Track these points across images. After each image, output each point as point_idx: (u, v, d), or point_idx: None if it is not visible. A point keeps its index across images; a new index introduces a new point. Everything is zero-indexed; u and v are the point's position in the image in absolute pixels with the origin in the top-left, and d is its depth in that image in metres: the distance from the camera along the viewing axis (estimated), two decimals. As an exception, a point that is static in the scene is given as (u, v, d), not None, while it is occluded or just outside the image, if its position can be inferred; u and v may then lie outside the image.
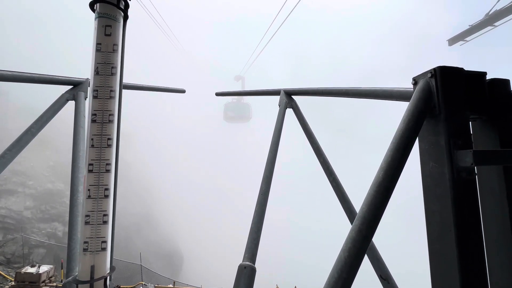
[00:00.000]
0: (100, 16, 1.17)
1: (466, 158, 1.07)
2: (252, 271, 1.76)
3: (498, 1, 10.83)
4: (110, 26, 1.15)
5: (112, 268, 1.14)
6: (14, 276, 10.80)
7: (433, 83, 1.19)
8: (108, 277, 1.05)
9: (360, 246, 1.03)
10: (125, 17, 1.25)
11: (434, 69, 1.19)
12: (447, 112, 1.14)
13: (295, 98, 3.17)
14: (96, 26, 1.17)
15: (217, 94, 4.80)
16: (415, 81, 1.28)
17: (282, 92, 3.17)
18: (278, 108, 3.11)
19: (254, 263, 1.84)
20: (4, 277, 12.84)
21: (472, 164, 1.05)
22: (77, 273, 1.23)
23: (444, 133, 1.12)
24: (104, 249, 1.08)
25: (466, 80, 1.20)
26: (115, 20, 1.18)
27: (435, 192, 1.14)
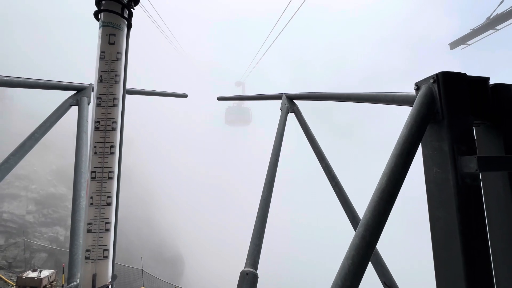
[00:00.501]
0: (104, 25, 1.19)
1: (470, 164, 1.06)
2: (254, 277, 1.74)
3: (499, 5, 10.86)
4: (114, 34, 1.17)
5: (113, 277, 1.14)
6: (15, 280, 10.78)
7: (436, 88, 1.18)
8: (110, 286, 1.05)
9: (364, 253, 1.02)
10: (129, 26, 1.27)
11: (437, 74, 1.19)
12: (450, 117, 1.13)
13: (297, 102, 3.17)
14: (100, 34, 1.19)
15: (219, 99, 4.82)
16: (418, 86, 1.28)
17: (283, 97, 3.18)
18: (278, 112, 3.11)
19: (256, 269, 1.82)
20: (6, 281, 12.82)
21: (476, 170, 1.04)
22: (78, 280, 1.23)
23: (448, 138, 1.11)
24: (106, 257, 1.08)
25: (469, 85, 1.20)
26: (119, 28, 1.19)
27: (439, 198, 1.13)
